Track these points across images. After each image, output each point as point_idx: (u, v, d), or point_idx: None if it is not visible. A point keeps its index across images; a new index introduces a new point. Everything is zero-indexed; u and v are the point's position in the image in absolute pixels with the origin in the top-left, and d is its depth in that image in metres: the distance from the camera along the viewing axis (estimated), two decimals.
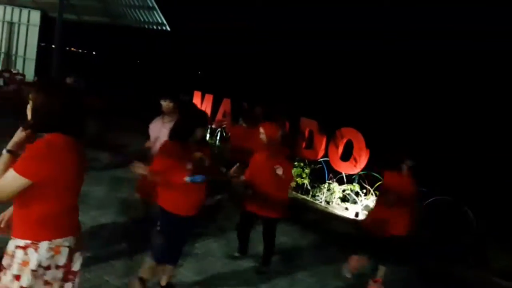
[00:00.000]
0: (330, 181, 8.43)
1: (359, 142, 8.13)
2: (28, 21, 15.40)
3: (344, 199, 8.16)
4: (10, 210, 2.29)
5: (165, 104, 5.06)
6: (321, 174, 8.98)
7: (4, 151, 2.10)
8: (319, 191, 8.31)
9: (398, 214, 4.67)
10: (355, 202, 8.09)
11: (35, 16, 15.25)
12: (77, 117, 2.21)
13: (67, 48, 20.47)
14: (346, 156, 8.37)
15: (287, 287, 4.69)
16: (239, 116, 10.57)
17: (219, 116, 10.99)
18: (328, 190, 8.24)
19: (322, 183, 8.53)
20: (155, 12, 12.78)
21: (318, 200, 8.23)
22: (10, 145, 2.11)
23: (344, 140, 8.39)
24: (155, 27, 13.36)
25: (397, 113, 7.96)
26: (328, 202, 8.09)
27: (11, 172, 2.00)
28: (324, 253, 5.80)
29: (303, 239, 6.22)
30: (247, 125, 7.12)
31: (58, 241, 2.15)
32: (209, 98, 11.52)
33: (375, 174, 8.58)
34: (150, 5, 12.51)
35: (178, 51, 12.85)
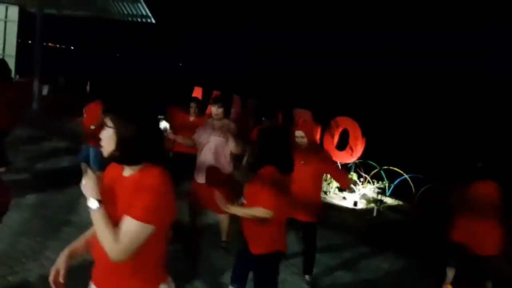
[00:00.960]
0: None
1: (355, 131, 8.08)
2: (6, 17, 14.86)
3: (341, 188, 8.11)
4: (61, 262, 1.96)
5: (215, 109, 4.80)
6: None
7: (94, 206, 1.76)
8: None
9: (492, 229, 4.43)
10: (352, 191, 8.06)
11: (13, 11, 14.71)
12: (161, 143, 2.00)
13: (46, 44, 19.88)
14: (341, 145, 8.34)
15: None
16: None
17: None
18: (325, 180, 8.18)
19: None
20: (139, 4, 12.47)
21: None
22: (94, 195, 1.77)
23: (340, 129, 8.35)
24: (139, 20, 13.06)
25: (392, 102, 7.92)
26: (325, 192, 8.03)
27: (133, 223, 1.72)
28: (331, 244, 5.74)
29: None
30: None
31: (169, 279, 2.04)
32: (198, 90, 11.37)
33: (371, 162, 8.59)
34: None
35: (163, 43, 12.60)
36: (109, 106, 1.90)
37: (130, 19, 13.28)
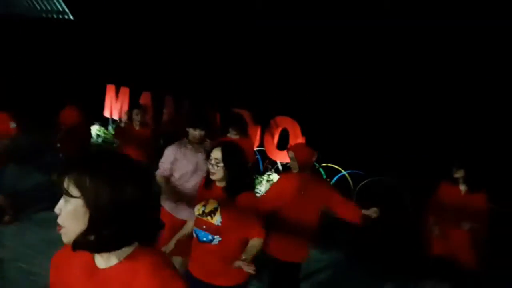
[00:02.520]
0: (270, 172, 8.32)
1: (295, 130, 8.11)
2: None
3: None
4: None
5: (196, 133, 4.05)
6: (256, 165, 8.85)
7: None
8: (259, 184, 8.14)
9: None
10: None
11: None
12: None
13: None
14: (281, 145, 8.33)
15: None
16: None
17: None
18: (268, 181, 8.11)
19: (259, 175, 8.41)
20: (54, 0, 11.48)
21: (259, 193, 8.06)
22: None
23: (280, 129, 8.33)
24: (55, 16, 12.01)
25: (327, 98, 8.07)
26: None
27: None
28: None
29: None
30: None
31: None
32: (125, 91, 10.69)
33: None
34: None
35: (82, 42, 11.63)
36: (72, 163, 1.25)
37: (43, 15, 12.16)
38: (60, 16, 11.89)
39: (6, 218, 5.70)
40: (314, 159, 3.86)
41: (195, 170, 4.00)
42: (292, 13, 8.37)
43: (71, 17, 11.72)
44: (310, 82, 8.50)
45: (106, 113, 11.04)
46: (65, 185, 1.20)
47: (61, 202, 1.21)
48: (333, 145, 8.48)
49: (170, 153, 4.03)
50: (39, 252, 4.84)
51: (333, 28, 7.95)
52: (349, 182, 8.21)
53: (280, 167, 8.49)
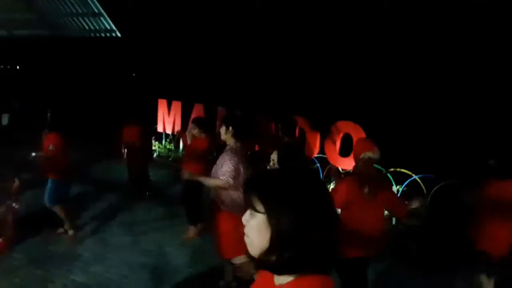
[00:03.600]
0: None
1: (358, 134, 7.65)
2: None
3: None
4: None
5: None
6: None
7: None
8: None
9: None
10: None
11: None
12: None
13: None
14: (343, 151, 7.90)
15: None
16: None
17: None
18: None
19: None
20: (102, 19, 11.55)
21: None
22: None
23: (341, 135, 7.90)
24: (103, 35, 12.12)
25: (390, 101, 7.61)
26: None
27: None
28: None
29: None
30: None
31: None
32: (177, 105, 10.59)
33: (376, 166, 8.16)
34: (96, 11, 11.27)
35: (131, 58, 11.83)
36: (261, 178, 1.27)
37: (92, 34, 12.31)
38: (108, 35, 12.00)
39: (60, 230, 5.82)
40: (370, 152, 3.75)
41: None
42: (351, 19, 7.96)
43: (119, 35, 11.80)
44: (372, 84, 8.02)
45: (159, 128, 10.98)
46: (252, 198, 1.23)
47: (247, 213, 1.25)
48: (400, 149, 7.99)
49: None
50: (123, 276, 4.77)
51: (394, 28, 7.46)
52: (421, 187, 7.66)
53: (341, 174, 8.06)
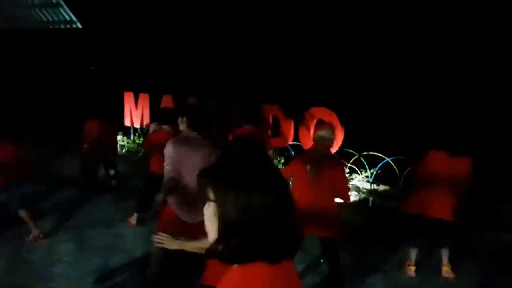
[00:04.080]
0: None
1: (332, 120, 7.70)
2: None
3: None
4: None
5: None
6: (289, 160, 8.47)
7: None
8: None
9: (447, 198, 4.34)
10: None
11: None
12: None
13: None
14: None
15: None
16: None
17: None
18: None
19: None
20: (61, 10, 11.04)
21: None
22: None
23: (315, 121, 7.93)
24: (62, 26, 11.60)
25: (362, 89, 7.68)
26: None
27: None
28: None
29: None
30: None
31: None
32: (144, 97, 10.29)
33: (348, 150, 8.27)
34: (54, 1, 10.75)
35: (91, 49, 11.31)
36: (210, 169, 1.27)
37: (51, 26, 11.75)
38: (68, 26, 11.47)
39: (31, 237, 5.47)
40: (322, 131, 4.05)
41: None
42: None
43: (80, 26, 11.32)
44: (343, 70, 8.08)
45: (127, 122, 10.66)
46: (205, 187, 1.22)
47: (206, 204, 1.24)
48: (372, 133, 8.11)
49: None
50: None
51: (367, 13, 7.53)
52: (394, 169, 7.82)
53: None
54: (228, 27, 8.99)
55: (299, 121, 8.01)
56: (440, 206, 4.38)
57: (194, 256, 3.74)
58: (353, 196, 7.32)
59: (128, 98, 10.56)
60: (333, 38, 8.03)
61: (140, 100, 10.30)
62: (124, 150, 10.47)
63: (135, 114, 10.39)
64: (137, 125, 10.38)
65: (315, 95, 8.12)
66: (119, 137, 10.66)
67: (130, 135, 10.81)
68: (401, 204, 4.85)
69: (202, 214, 1.28)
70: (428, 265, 5.01)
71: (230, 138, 8.65)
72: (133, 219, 6.18)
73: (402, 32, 7.41)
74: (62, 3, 10.71)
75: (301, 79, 8.09)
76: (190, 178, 3.75)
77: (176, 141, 3.95)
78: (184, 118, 4.05)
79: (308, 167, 3.83)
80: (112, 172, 7.73)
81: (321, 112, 7.80)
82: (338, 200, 4.14)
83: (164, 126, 5.83)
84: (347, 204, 4.33)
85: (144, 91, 10.30)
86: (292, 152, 8.57)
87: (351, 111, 7.90)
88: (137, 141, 10.33)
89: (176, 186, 3.82)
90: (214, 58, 9.42)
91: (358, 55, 7.90)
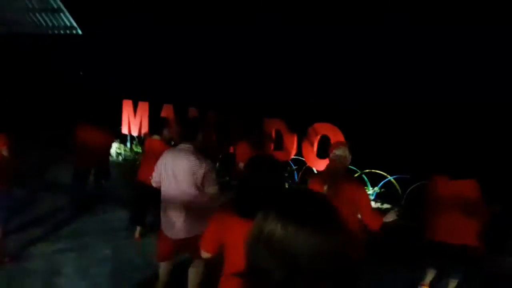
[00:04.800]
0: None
1: (336, 136, 7.65)
2: None
3: None
4: None
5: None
6: (291, 175, 8.40)
7: None
8: None
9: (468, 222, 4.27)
10: None
11: None
12: None
13: None
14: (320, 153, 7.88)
15: None
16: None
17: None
18: None
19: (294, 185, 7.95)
20: (62, 15, 10.89)
21: None
22: None
23: (318, 137, 7.87)
24: (62, 32, 11.43)
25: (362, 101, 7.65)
26: None
27: None
28: None
29: None
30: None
31: None
32: (144, 106, 10.15)
33: (350, 167, 8.21)
34: (55, 6, 10.59)
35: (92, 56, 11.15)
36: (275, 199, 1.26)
37: (50, 31, 11.58)
38: (68, 32, 11.33)
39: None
40: (337, 150, 3.92)
41: None
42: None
43: (80, 32, 11.17)
44: (348, 87, 8.06)
45: (124, 130, 10.51)
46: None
47: None
48: (374, 151, 8.07)
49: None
50: None
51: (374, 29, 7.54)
52: (396, 188, 7.77)
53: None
54: (233, 36, 8.94)
55: (302, 136, 7.96)
56: (463, 232, 4.28)
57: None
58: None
59: (127, 106, 10.42)
60: (339, 53, 8.03)
61: (139, 108, 10.17)
62: (120, 158, 10.29)
63: (133, 122, 10.25)
64: (134, 133, 10.23)
65: (319, 111, 8.06)
66: (115, 145, 10.49)
67: (127, 143, 10.65)
68: (424, 231, 4.69)
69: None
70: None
71: (232, 150, 8.58)
72: (136, 233, 5.99)
73: (410, 49, 7.43)
74: (63, 8, 10.58)
75: (305, 94, 8.04)
76: (173, 190, 3.80)
77: (168, 152, 3.96)
78: (180, 130, 4.05)
79: (325, 187, 3.73)
80: (103, 181, 7.44)
81: (325, 128, 7.75)
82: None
83: (156, 136, 5.71)
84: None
85: (142, 99, 10.17)
86: (294, 167, 8.49)
87: (354, 128, 7.86)
88: (135, 149, 10.16)
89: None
90: (219, 68, 9.35)
91: (364, 71, 7.89)
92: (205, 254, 2.56)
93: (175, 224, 3.80)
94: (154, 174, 4.01)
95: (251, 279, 1.20)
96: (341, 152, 3.94)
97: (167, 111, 9.54)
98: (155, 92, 9.90)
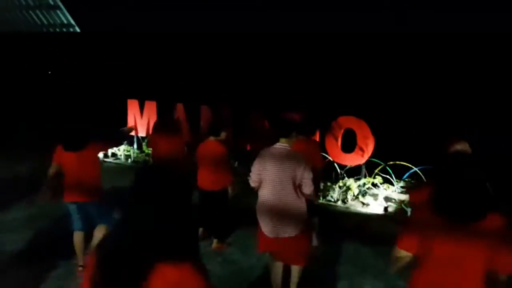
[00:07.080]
0: (341, 177, 7.76)
1: (363, 130, 7.54)
2: None
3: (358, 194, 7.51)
4: None
5: None
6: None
7: None
8: (331, 191, 7.53)
9: None
10: (372, 196, 7.53)
11: None
12: None
13: None
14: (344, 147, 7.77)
15: None
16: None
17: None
18: (340, 187, 7.52)
19: (327, 181, 7.81)
20: (59, 12, 10.36)
21: (333, 200, 7.47)
22: None
23: (342, 131, 7.75)
24: (58, 30, 10.91)
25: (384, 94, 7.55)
26: (343, 201, 7.37)
27: None
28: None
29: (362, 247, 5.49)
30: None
31: None
32: (151, 106, 9.78)
33: (373, 159, 8.12)
34: (52, 3, 10.06)
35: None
36: None
37: (45, 29, 11.03)
38: (65, 29, 10.80)
39: None
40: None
41: None
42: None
43: (78, 30, 10.68)
44: (369, 78, 7.94)
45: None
46: None
47: None
48: (396, 142, 8.01)
49: None
50: None
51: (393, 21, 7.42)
52: (422, 179, 7.72)
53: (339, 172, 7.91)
54: (245, 34, 8.70)
55: (326, 130, 7.82)
56: None
57: None
58: (392, 208, 7.16)
59: (132, 106, 10.05)
60: (361, 47, 7.90)
61: (146, 108, 9.82)
62: (130, 161, 9.94)
63: (140, 122, 9.89)
64: (142, 134, 9.89)
65: (339, 104, 7.94)
66: (123, 147, 10.13)
67: (133, 144, 10.30)
68: None
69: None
70: None
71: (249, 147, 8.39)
72: (214, 244, 5.59)
73: (431, 42, 7.38)
74: (61, 5, 10.07)
75: (327, 88, 7.88)
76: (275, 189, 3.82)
77: (265, 152, 3.95)
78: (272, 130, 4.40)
79: None
80: None
81: (349, 121, 7.64)
82: None
83: (211, 137, 5.51)
84: None
85: (146, 99, 9.83)
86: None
87: (376, 120, 7.76)
88: (146, 151, 9.83)
89: None
90: (238, 63, 9.07)
91: (384, 63, 7.79)
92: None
93: (276, 224, 3.75)
94: (252, 175, 3.91)
95: None
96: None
97: (178, 111, 9.25)
98: (155, 92, 9.58)
